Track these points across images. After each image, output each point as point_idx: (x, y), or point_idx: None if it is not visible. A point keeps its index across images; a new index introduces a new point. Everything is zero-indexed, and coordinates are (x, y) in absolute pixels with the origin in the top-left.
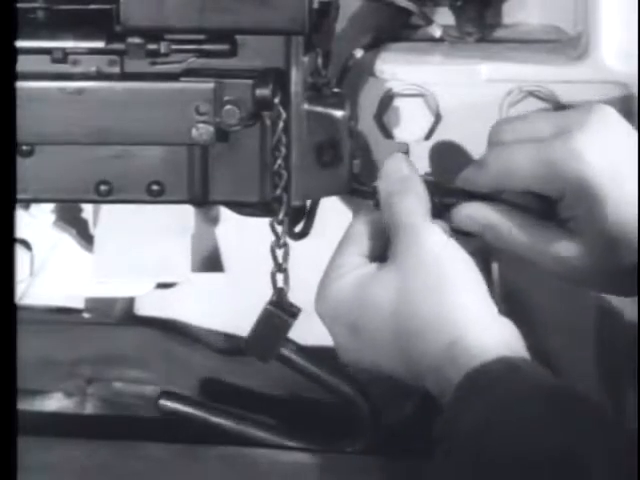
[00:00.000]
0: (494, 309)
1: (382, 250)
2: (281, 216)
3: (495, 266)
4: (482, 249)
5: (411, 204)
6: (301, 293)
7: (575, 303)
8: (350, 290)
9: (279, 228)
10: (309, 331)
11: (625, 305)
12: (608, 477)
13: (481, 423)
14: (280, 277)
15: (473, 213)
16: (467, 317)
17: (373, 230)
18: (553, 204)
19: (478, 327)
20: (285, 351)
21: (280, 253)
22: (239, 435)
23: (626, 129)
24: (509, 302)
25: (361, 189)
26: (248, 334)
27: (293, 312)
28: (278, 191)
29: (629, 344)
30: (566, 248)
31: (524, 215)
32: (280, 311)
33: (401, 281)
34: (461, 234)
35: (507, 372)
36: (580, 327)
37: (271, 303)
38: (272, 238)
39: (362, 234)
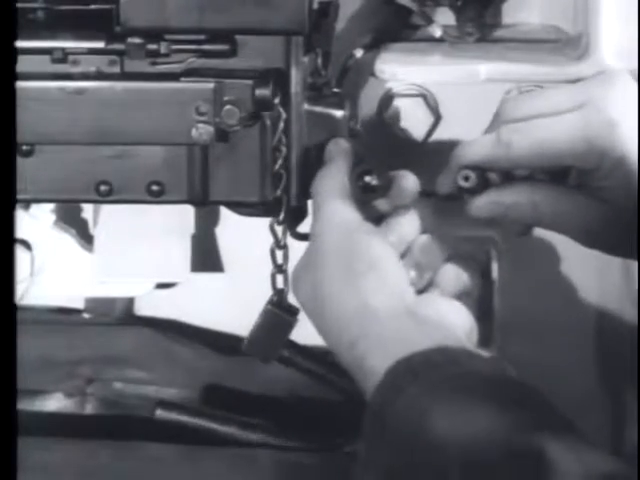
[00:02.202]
0: (412, 299)
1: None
2: (281, 217)
3: (495, 266)
4: (482, 249)
5: (325, 184)
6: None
7: (575, 303)
8: (294, 274)
9: (279, 229)
10: (309, 331)
11: (625, 305)
12: (563, 459)
13: (416, 407)
14: (280, 278)
15: (497, 198)
16: (373, 312)
17: None
18: (583, 174)
19: (385, 321)
20: (286, 352)
21: (280, 254)
22: (237, 439)
23: None
24: (508, 303)
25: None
26: (249, 334)
27: (293, 312)
28: (278, 192)
29: (629, 345)
30: (596, 216)
31: (548, 187)
32: (281, 311)
33: (310, 264)
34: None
35: (442, 358)
36: (580, 328)
37: (271, 303)
38: (272, 239)
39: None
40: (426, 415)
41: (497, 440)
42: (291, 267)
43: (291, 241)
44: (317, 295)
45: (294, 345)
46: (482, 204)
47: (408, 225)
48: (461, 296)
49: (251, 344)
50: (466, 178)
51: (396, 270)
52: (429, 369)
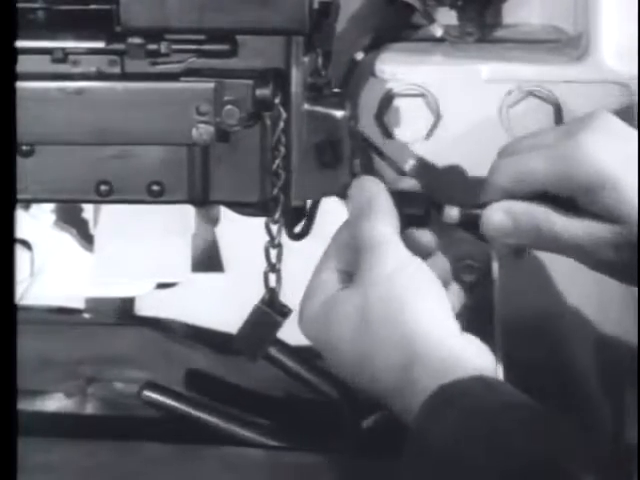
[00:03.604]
0: (457, 326)
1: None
2: (277, 216)
3: (495, 266)
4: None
5: (377, 225)
6: (294, 293)
7: (575, 303)
8: (319, 312)
9: (274, 228)
10: (293, 331)
11: (626, 305)
12: None
13: (454, 433)
14: (273, 277)
15: (511, 207)
16: (426, 337)
17: (347, 246)
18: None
19: (438, 345)
20: (272, 350)
21: (274, 253)
22: (221, 431)
23: (629, 129)
24: (508, 303)
25: None
26: (237, 331)
27: (284, 312)
28: (275, 191)
29: (629, 345)
30: (603, 234)
31: (554, 207)
32: (270, 310)
33: (361, 300)
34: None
35: (476, 385)
36: (580, 328)
37: (262, 302)
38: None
39: (338, 249)
40: (462, 442)
41: (533, 467)
42: (285, 266)
43: (286, 240)
44: (364, 318)
45: (282, 344)
46: (495, 214)
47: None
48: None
49: (238, 341)
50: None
51: (443, 296)
52: (466, 397)
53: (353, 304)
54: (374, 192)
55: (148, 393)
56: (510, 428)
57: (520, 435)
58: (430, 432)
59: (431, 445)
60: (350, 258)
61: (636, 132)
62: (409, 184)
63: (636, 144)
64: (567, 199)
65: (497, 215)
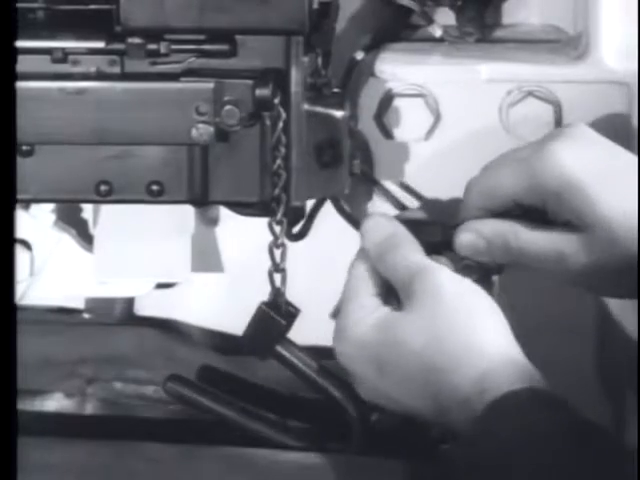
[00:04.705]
0: (515, 342)
1: (390, 289)
2: (279, 216)
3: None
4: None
5: (409, 255)
6: (299, 293)
7: (575, 303)
8: (374, 333)
9: (277, 228)
10: (304, 330)
11: (626, 305)
12: None
13: (505, 450)
14: (277, 277)
15: (479, 227)
16: (494, 350)
17: (377, 274)
18: (543, 214)
19: (505, 359)
20: (280, 349)
21: (278, 253)
22: (240, 427)
23: (602, 139)
24: (509, 303)
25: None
26: (244, 332)
27: (290, 312)
28: (277, 191)
29: (630, 345)
30: (569, 245)
31: (524, 221)
32: (274, 311)
33: (428, 323)
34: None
35: (532, 403)
36: (580, 328)
37: (266, 303)
38: (271, 238)
39: (370, 275)
40: (511, 457)
41: None
42: (289, 265)
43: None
44: (434, 336)
45: (289, 343)
46: (466, 235)
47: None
48: None
49: (245, 342)
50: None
51: (499, 311)
52: (519, 412)
53: (417, 325)
54: (392, 227)
55: (172, 385)
56: (559, 450)
57: (568, 458)
58: (481, 447)
59: (481, 459)
60: (382, 283)
61: (611, 143)
62: (417, 214)
63: (609, 153)
64: (539, 211)
65: (466, 235)
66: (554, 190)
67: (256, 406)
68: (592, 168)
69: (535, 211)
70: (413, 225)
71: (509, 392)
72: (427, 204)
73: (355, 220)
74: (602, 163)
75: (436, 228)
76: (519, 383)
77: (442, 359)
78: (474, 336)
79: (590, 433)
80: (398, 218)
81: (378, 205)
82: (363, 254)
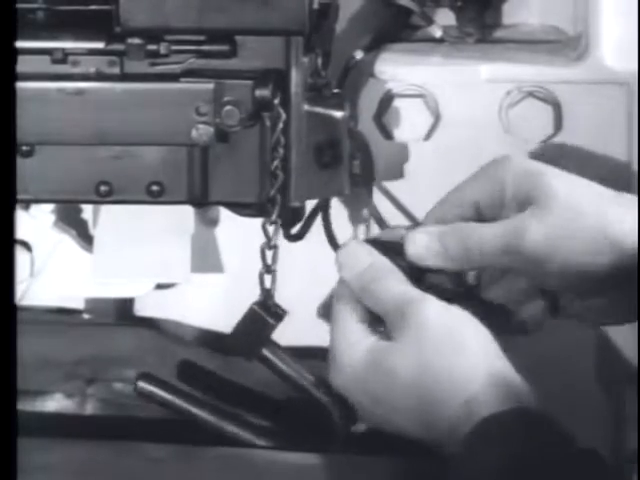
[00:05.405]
0: (507, 363)
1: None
2: (274, 217)
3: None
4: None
5: (393, 286)
6: (289, 294)
7: None
8: (364, 364)
9: (270, 229)
10: (292, 332)
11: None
12: None
13: (490, 474)
14: (268, 278)
15: (430, 229)
16: (481, 374)
17: (360, 304)
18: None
19: (491, 381)
20: (265, 351)
21: (270, 254)
22: (211, 427)
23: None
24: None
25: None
26: (231, 331)
27: (278, 313)
28: (272, 192)
29: (629, 345)
30: (524, 219)
31: (483, 225)
32: (264, 312)
33: (416, 353)
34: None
35: (517, 425)
36: (580, 328)
37: (257, 303)
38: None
39: (354, 306)
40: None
41: None
42: (280, 267)
43: (282, 242)
44: (422, 364)
45: (275, 345)
46: (421, 243)
47: None
48: None
49: (231, 341)
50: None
51: (487, 332)
52: (506, 435)
53: (406, 356)
54: (369, 257)
55: (143, 384)
56: (544, 471)
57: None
58: (468, 469)
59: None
60: (369, 316)
61: None
62: (395, 234)
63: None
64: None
65: (420, 237)
66: (512, 177)
67: (233, 405)
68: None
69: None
70: (391, 248)
71: (493, 415)
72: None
73: (334, 240)
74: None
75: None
76: (506, 404)
77: (431, 388)
78: (460, 363)
79: (576, 454)
80: (377, 241)
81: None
82: (344, 284)
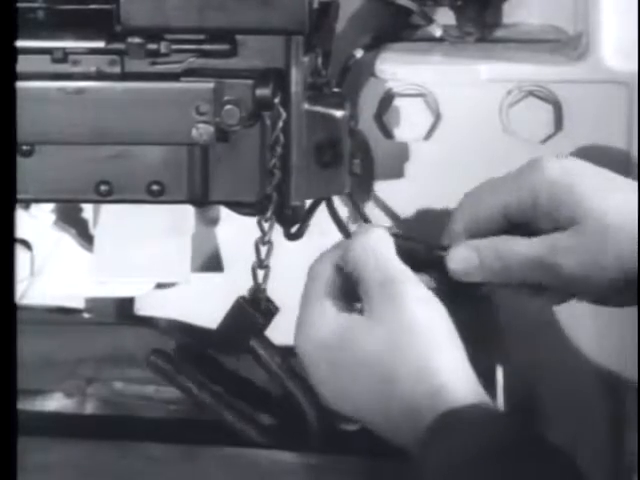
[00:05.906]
0: (466, 360)
1: (350, 289)
2: (269, 214)
3: None
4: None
5: (389, 262)
6: (282, 291)
7: (575, 303)
8: (333, 332)
9: (265, 225)
10: (285, 329)
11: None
12: None
13: (444, 467)
14: (260, 273)
15: (472, 243)
16: (451, 369)
17: (340, 269)
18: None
19: (460, 378)
20: (253, 344)
21: (264, 250)
22: (212, 413)
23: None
24: (509, 303)
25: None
26: (217, 326)
27: (269, 309)
28: (269, 189)
29: (629, 345)
30: (560, 241)
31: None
32: (250, 306)
33: (390, 332)
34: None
35: (485, 420)
36: (580, 327)
37: (245, 297)
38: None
39: (333, 275)
40: (459, 471)
41: None
42: (274, 263)
43: (278, 239)
44: (390, 346)
45: (263, 340)
46: (459, 256)
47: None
48: None
49: (216, 336)
50: None
51: (455, 331)
52: (462, 430)
53: (376, 332)
54: (377, 237)
55: (154, 359)
56: (508, 466)
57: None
58: (424, 464)
59: (429, 472)
60: (345, 287)
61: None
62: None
63: (592, 165)
64: (524, 229)
65: (462, 251)
66: (546, 190)
67: (234, 396)
68: (581, 170)
69: (520, 229)
70: (396, 240)
71: (462, 406)
72: (409, 223)
73: (345, 227)
74: (589, 168)
75: (419, 246)
76: (472, 400)
77: (397, 370)
78: (432, 353)
79: (542, 451)
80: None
81: None
82: (330, 253)
